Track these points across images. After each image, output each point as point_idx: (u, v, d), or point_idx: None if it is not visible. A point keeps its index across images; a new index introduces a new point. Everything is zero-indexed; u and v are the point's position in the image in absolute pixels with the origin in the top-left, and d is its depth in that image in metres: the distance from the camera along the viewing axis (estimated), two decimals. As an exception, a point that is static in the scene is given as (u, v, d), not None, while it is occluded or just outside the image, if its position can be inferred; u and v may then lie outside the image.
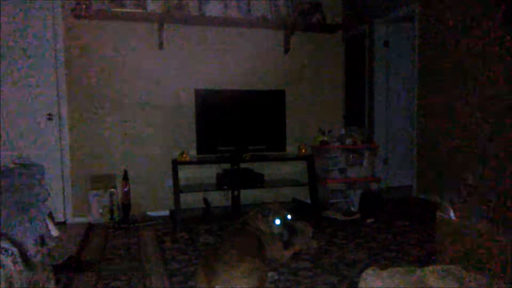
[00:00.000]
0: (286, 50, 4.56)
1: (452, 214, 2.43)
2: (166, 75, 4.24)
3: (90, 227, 3.80)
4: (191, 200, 4.25)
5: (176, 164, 3.92)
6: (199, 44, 4.32)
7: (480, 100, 4.08)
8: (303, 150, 4.36)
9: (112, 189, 3.98)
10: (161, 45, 4.14)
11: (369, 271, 1.77)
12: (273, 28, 4.48)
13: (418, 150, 4.96)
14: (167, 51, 4.21)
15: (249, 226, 2.70)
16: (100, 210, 3.94)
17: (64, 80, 3.93)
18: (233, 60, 4.43)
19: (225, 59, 4.41)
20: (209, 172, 4.30)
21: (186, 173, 4.23)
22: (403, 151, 5.10)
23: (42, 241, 2.14)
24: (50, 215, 2.99)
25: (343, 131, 4.64)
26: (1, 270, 1.44)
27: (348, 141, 4.44)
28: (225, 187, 4.11)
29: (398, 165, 5.17)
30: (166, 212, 4.21)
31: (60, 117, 3.94)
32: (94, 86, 4.05)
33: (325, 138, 4.43)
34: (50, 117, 3.92)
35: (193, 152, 4.13)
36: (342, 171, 4.42)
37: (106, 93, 4.08)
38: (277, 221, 2.75)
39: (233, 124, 4.23)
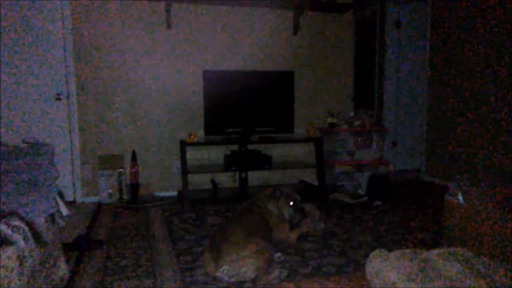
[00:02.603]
0: (295, 31, 4.49)
1: (460, 197, 2.42)
2: (174, 55, 4.21)
3: (99, 206, 3.85)
4: (198, 181, 4.28)
5: (184, 145, 3.93)
6: (207, 24, 4.27)
7: (494, 82, 4.01)
8: (312, 132, 4.33)
9: (121, 169, 4.02)
10: (169, 25, 4.10)
11: (376, 253, 1.77)
12: (282, 8, 4.40)
13: (427, 133, 4.92)
14: (175, 30, 4.17)
15: (257, 207, 2.72)
16: (109, 190, 3.98)
17: (72, 60, 3.93)
18: (242, 40, 4.38)
19: (233, 39, 4.36)
20: (217, 154, 4.31)
21: (194, 154, 4.24)
22: (412, 134, 5.06)
23: (52, 219, 2.18)
24: (60, 194, 3.03)
25: (352, 114, 4.61)
26: (13, 247, 1.47)
27: (357, 123, 4.40)
28: (233, 168, 4.11)
29: (407, 148, 5.13)
30: (174, 193, 4.24)
31: (68, 98, 3.95)
32: (102, 66, 4.04)
33: (334, 121, 4.40)
34: (58, 97, 3.93)
35: (201, 134, 4.14)
36: (350, 153, 4.40)
37: (113, 73, 4.07)
38: (290, 203, 2.79)
39: (241, 105, 4.21)
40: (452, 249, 1.70)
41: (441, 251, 1.68)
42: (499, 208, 2.29)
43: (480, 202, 2.36)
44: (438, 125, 4.75)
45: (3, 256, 1.41)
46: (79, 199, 4.06)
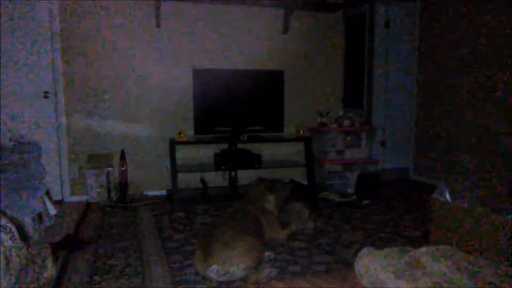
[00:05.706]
0: (285, 30, 4.50)
1: (448, 196, 2.45)
2: (164, 53, 4.19)
3: (87, 205, 3.81)
4: (188, 180, 4.26)
5: (173, 144, 3.91)
6: (197, 22, 4.25)
7: (482, 81, 4.07)
8: (301, 132, 4.35)
9: (109, 168, 3.98)
10: (158, 23, 4.08)
11: (365, 251, 1.79)
12: (273, 7, 4.41)
13: (416, 133, 4.97)
14: (164, 29, 4.15)
15: (252, 206, 2.72)
16: (98, 189, 3.95)
17: (60, 58, 3.88)
18: (232, 39, 4.37)
19: (223, 38, 4.35)
20: (206, 153, 4.29)
21: (183, 153, 4.23)
22: (401, 133, 5.10)
23: (39, 219, 2.15)
24: (48, 194, 3.00)
25: (341, 113, 4.63)
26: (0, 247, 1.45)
27: (346, 123, 4.43)
28: (222, 167, 4.11)
29: (396, 147, 5.17)
30: (163, 192, 4.22)
31: (56, 95, 3.91)
32: (90, 64, 4.00)
33: (323, 120, 4.42)
34: (46, 95, 3.88)
35: (190, 132, 4.12)
36: (339, 153, 4.43)
37: (102, 72, 4.04)
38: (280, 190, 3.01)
39: (231, 104, 4.20)
40: (439, 247, 1.73)
41: (428, 249, 1.70)
42: (485, 206, 2.32)
43: (467, 201, 2.39)
44: (426, 125, 4.80)
45: (-10, 255, 1.39)
46: (67, 198, 4.01)
